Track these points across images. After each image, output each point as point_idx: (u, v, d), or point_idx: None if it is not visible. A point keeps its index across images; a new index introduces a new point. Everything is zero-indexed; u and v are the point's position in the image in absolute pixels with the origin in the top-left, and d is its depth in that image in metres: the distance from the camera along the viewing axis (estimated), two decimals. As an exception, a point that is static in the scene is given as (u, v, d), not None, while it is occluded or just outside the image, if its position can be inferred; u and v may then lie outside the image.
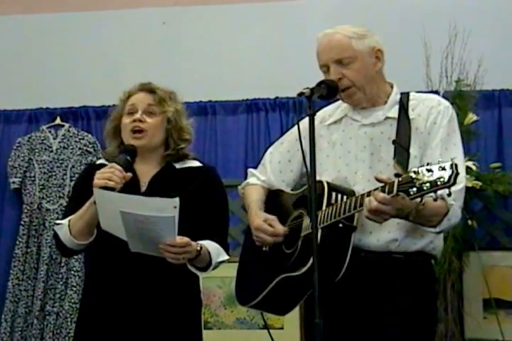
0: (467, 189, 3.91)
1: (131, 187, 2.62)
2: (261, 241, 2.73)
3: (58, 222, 2.73)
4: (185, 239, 2.52)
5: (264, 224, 2.70)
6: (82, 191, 2.74)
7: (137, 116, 2.74)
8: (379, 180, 2.38)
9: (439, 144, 2.60)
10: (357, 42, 2.64)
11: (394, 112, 2.67)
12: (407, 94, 2.73)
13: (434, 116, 2.65)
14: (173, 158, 2.81)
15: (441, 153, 2.56)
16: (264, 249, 2.78)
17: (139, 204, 2.46)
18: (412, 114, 2.66)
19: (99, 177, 2.57)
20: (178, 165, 2.81)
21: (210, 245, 2.67)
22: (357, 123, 2.72)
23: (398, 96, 2.71)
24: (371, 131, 2.68)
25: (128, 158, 2.66)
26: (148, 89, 2.81)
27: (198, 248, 2.58)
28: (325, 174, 2.66)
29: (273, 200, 2.84)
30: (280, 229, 2.69)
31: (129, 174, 2.62)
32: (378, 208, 2.36)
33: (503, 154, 4.55)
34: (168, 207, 2.42)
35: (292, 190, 2.86)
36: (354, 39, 2.64)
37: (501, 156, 4.54)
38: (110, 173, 2.57)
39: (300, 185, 2.85)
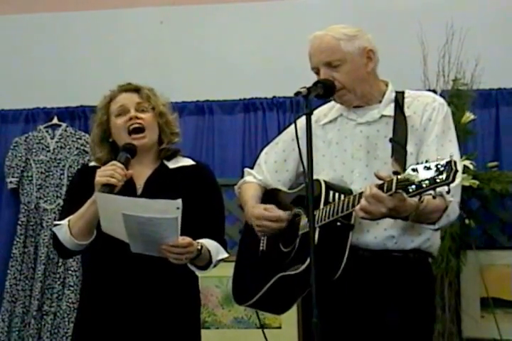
0: (464, 188, 3.94)
1: (127, 190, 2.63)
2: (264, 229, 2.71)
3: (57, 222, 2.72)
4: (188, 239, 2.53)
5: (266, 212, 2.69)
6: (77, 193, 2.75)
7: (132, 114, 2.74)
8: (379, 178, 2.38)
9: (434, 140, 2.61)
10: (346, 44, 2.64)
11: (389, 110, 2.68)
12: (402, 92, 2.73)
13: (429, 112, 2.66)
14: (167, 155, 2.81)
15: (437, 149, 2.57)
16: (261, 247, 2.78)
17: (142, 207, 2.46)
18: (407, 112, 2.66)
19: (100, 175, 2.58)
20: (171, 165, 2.81)
21: (210, 243, 2.67)
22: (352, 122, 2.72)
23: (393, 95, 2.71)
24: (367, 130, 2.69)
25: (128, 156, 2.67)
26: (131, 88, 2.81)
27: (199, 247, 2.59)
28: (322, 173, 2.66)
29: (270, 199, 2.83)
30: (282, 213, 2.69)
31: (130, 172, 2.63)
32: (368, 207, 2.36)
33: (500, 153, 4.56)
34: (171, 209, 2.42)
35: (289, 189, 2.85)
36: (343, 41, 2.64)
37: (498, 155, 4.55)
38: (112, 171, 2.58)
39: (296, 185, 2.85)
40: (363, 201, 2.37)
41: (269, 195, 2.86)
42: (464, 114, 4.21)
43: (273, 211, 2.69)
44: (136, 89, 2.80)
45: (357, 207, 2.40)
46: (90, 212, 2.61)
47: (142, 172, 2.76)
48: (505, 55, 4.59)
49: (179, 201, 2.42)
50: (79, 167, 4.62)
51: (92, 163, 2.85)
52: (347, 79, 2.63)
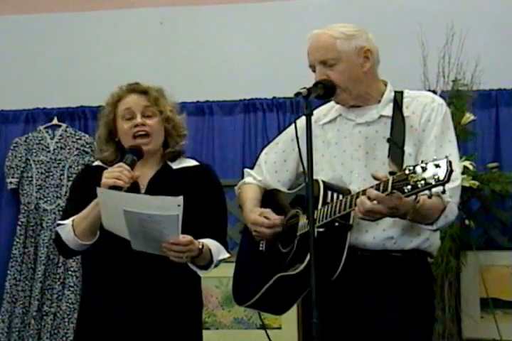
0: (464, 189, 3.94)
1: (130, 190, 2.62)
2: (260, 235, 2.72)
3: (60, 222, 2.72)
4: (189, 237, 2.53)
5: (260, 218, 2.70)
6: (80, 193, 2.75)
7: (138, 120, 2.72)
8: (375, 178, 2.38)
9: (433, 141, 2.60)
10: (342, 43, 2.63)
11: (388, 110, 2.67)
12: (401, 92, 2.73)
13: (428, 113, 2.65)
14: (171, 156, 2.81)
15: (436, 150, 2.57)
16: (260, 248, 2.78)
17: (143, 203, 2.46)
18: (406, 112, 2.66)
19: (107, 177, 2.58)
20: (174, 166, 2.81)
21: (211, 243, 2.67)
22: (351, 122, 2.72)
23: (392, 94, 2.71)
24: (366, 130, 2.68)
25: (135, 158, 2.67)
26: (139, 90, 2.78)
27: (200, 246, 2.59)
28: (321, 173, 2.66)
29: (269, 200, 2.84)
30: (276, 218, 2.69)
31: (137, 174, 2.63)
32: (372, 209, 2.36)
33: (500, 154, 4.56)
34: (172, 206, 2.43)
35: (288, 189, 2.85)
36: (340, 40, 2.63)
37: (498, 156, 4.55)
38: (119, 173, 2.58)
39: (296, 185, 2.85)
40: (364, 202, 2.37)
41: (268, 196, 2.86)
42: (464, 115, 4.22)
43: (269, 216, 2.70)
44: (144, 91, 2.77)
45: (357, 209, 2.40)
46: (95, 213, 2.61)
47: (146, 172, 2.76)
48: (505, 56, 4.60)
49: (180, 198, 2.42)
50: (81, 167, 4.63)
51: (96, 163, 2.85)
52: (341, 79, 2.63)
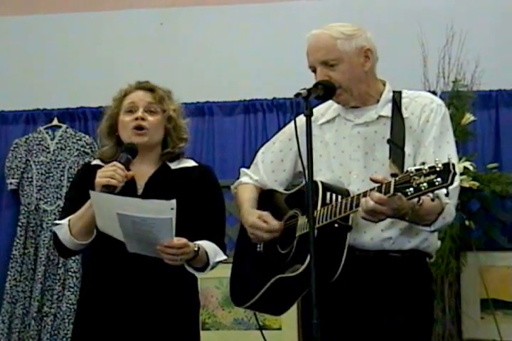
0: (465, 189, 3.95)
1: (127, 189, 2.62)
2: (257, 238, 2.71)
3: (57, 222, 2.72)
4: (183, 240, 2.52)
5: (259, 221, 2.68)
6: (78, 191, 2.74)
7: (139, 114, 2.73)
8: (374, 181, 2.37)
9: (432, 142, 2.59)
10: (343, 43, 2.62)
11: (387, 111, 2.66)
12: (400, 92, 2.72)
13: (426, 114, 2.64)
14: (169, 157, 2.80)
15: (435, 151, 2.56)
16: (258, 249, 2.78)
17: (136, 206, 2.45)
18: (405, 113, 2.65)
19: (101, 176, 2.57)
20: (173, 166, 2.81)
21: (208, 245, 2.67)
22: (350, 122, 2.70)
23: (391, 94, 2.70)
24: (365, 131, 2.67)
25: (129, 156, 2.66)
26: (147, 87, 2.80)
27: (196, 248, 2.58)
28: (319, 174, 2.65)
29: (266, 200, 2.83)
30: (275, 224, 2.68)
31: (131, 173, 2.63)
32: (374, 208, 2.35)
33: (500, 154, 4.56)
34: (165, 209, 2.42)
35: (285, 189, 2.85)
36: (340, 40, 2.62)
37: (498, 156, 4.55)
38: (112, 172, 2.57)
39: (293, 186, 2.84)
40: (368, 201, 2.36)
41: (265, 196, 2.85)
42: (464, 116, 4.22)
43: (267, 220, 2.68)
44: (151, 89, 2.80)
45: (361, 208, 2.38)
46: (90, 213, 2.60)
47: (144, 172, 2.75)
48: (505, 56, 4.60)
49: (173, 202, 2.41)
50: (80, 166, 4.62)
51: (94, 162, 2.85)
52: (343, 79, 2.62)
